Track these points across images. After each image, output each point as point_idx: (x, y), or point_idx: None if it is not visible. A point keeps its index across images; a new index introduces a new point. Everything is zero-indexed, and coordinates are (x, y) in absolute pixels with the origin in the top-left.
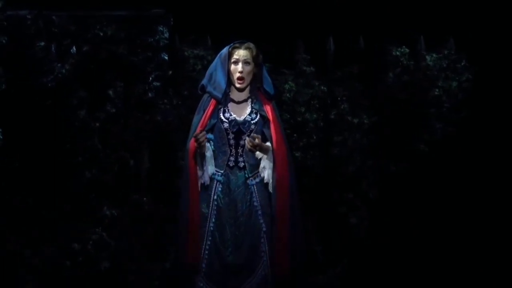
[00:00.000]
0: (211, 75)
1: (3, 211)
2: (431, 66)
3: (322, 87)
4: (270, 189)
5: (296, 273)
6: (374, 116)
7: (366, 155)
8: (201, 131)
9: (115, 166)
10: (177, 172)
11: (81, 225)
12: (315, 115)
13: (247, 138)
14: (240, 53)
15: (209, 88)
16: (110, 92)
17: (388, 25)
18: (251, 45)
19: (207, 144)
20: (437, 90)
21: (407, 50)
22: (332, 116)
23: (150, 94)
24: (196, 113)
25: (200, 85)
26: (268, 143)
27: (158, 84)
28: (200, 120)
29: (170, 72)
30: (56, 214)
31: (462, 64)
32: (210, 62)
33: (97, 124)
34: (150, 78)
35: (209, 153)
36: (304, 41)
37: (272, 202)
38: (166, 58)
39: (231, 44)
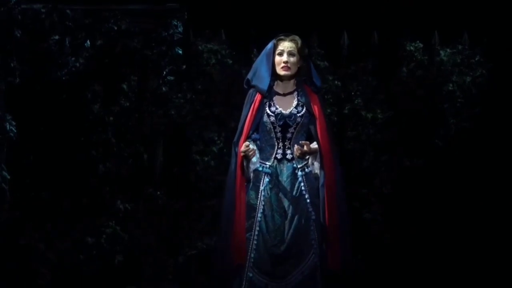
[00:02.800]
0: (256, 68)
1: (17, 205)
2: (445, 61)
3: (336, 82)
4: (319, 184)
5: (345, 265)
6: (388, 111)
7: (380, 150)
8: (247, 146)
9: (129, 160)
10: (191, 165)
11: (95, 219)
12: (329, 110)
13: (296, 146)
14: (285, 45)
15: (254, 82)
16: (124, 86)
17: (402, 19)
18: (297, 37)
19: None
20: (451, 85)
21: (421, 45)
22: (346, 111)
23: (164, 88)
24: (243, 107)
25: (245, 79)
26: (315, 144)
27: (172, 78)
28: (248, 114)
29: (184, 66)
30: (70, 208)
31: (476, 59)
32: (224, 56)
33: (111, 118)
34: (164, 72)
35: (255, 158)
36: (318, 35)
37: (320, 197)
38: (180, 52)
39: (277, 37)
